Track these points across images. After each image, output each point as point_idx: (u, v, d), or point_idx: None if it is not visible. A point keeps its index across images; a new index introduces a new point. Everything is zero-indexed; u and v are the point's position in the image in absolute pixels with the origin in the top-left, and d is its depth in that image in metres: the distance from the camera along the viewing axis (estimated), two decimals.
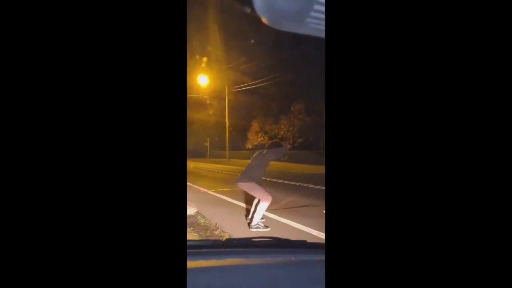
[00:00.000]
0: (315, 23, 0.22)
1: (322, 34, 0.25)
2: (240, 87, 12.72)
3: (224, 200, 3.51)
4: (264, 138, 12.96)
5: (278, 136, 12.14)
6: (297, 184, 4.86)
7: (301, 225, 2.36)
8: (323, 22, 0.23)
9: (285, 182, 5.12)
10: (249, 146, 13.93)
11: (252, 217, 2.26)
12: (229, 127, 12.87)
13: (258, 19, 0.22)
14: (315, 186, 4.62)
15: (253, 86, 12.20)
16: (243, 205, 3.07)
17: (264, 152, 2.36)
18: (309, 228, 2.27)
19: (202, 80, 12.31)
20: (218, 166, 9.66)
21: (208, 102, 13.59)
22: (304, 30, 0.23)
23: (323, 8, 0.21)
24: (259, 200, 2.27)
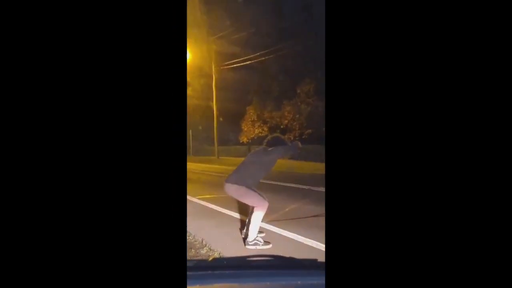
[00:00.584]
0: None
1: None
2: (232, 63, 12.64)
3: (212, 209, 3.57)
4: (263, 130, 13.01)
5: (281, 126, 12.20)
6: (306, 187, 4.93)
7: (310, 240, 2.39)
8: None
9: (290, 185, 5.22)
10: (244, 139, 13.96)
11: (248, 231, 2.26)
12: (217, 115, 12.83)
13: None
14: None
15: (248, 62, 12.12)
16: (237, 215, 3.15)
17: (267, 149, 2.34)
18: (319, 244, 2.29)
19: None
20: (204, 166, 9.71)
21: (189, 81, 13.48)
22: None
23: None
24: (253, 209, 2.28)
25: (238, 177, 2.27)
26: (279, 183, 5.20)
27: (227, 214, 3.23)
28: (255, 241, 2.23)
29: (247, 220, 2.34)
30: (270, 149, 2.30)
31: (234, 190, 2.26)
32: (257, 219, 2.21)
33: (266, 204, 2.19)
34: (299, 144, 2.42)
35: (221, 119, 13.06)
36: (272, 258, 0.75)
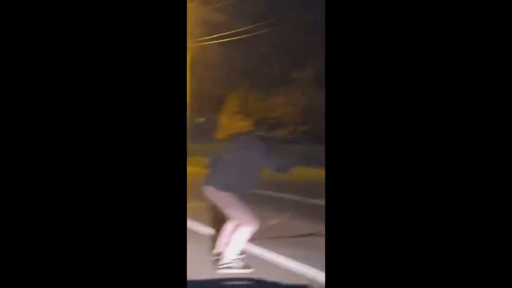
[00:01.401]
0: None
1: None
2: (211, 38, 12.62)
3: None
4: (247, 123, 13.02)
5: (269, 122, 12.26)
6: (297, 199, 5.11)
7: (299, 263, 2.48)
8: None
9: (278, 195, 5.37)
10: (221, 136, 13.96)
11: (224, 250, 2.26)
12: (190, 103, 12.77)
13: None
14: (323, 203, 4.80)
15: (232, 38, 12.13)
16: (204, 229, 3.24)
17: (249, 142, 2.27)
18: (311, 268, 2.36)
19: None
20: None
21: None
22: None
23: None
24: (237, 225, 2.26)
25: (226, 180, 2.21)
26: (263, 192, 5.28)
27: (191, 229, 3.28)
28: (232, 264, 2.23)
29: (222, 236, 2.35)
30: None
31: (220, 197, 2.22)
32: (242, 237, 2.20)
33: (257, 222, 2.19)
34: (289, 166, 2.36)
35: (196, 109, 13.05)
36: (251, 283, 0.80)
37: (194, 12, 12.81)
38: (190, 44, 13.55)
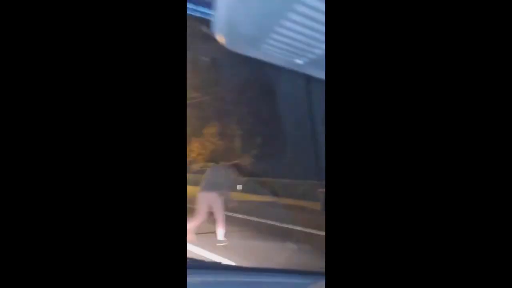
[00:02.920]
0: (269, 49, 0.41)
1: (273, 60, 0.46)
2: None
3: None
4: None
5: (188, 159, 18.31)
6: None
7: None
8: (277, 49, 0.43)
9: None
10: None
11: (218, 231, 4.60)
12: None
13: (211, 37, 0.39)
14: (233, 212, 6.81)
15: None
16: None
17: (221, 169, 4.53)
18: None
19: None
20: None
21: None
22: (257, 55, 0.43)
23: (279, 37, 0.40)
24: (217, 215, 4.49)
25: (219, 187, 4.13)
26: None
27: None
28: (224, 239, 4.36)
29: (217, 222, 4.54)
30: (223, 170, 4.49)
31: (215, 197, 4.09)
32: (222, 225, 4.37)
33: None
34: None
35: None
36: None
37: None
38: None
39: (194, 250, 4.46)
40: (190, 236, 4.59)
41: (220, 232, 4.79)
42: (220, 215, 4.74)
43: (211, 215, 4.81)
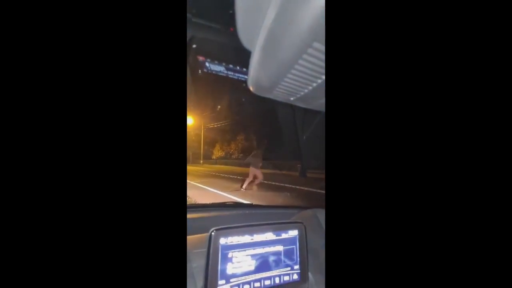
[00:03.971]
0: (280, 92, 0.58)
1: (277, 98, 0.63)
2: (210, 126, 34.96)
3: (201, 187, 9.43)
4: (222, 153, 34.56)
5: (230, 152, 33.56)
6: (236, 177, 13.20)
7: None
8: (280, 93, 0.59)
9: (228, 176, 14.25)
10: (214, 157, 36.21)
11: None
12: (203, 145, 35.09)
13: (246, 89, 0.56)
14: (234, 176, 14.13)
15: (216, 125, 33.86)
16: (214, 190, 8.62)
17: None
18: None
19: (189, 120, 33.42)
20: (195, 168, 27.18)
21: (191, 132, 35.29)
22: (270, 96, 0.61)
23: (282, 85, 0.56)
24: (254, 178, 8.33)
25: (255, 164, 7.82)
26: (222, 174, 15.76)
27: (210, 190, 8.76)
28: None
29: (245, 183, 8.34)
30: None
31: (253, 169, 7.70)
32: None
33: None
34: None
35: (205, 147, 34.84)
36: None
37: (205, 117, 35.12)
38: (203, 128, 38.83)
39: (232, 196, 7.45)
40: (244, 185, 8.65)
41: (246, 184, 8.55)
42: (251, 177, 8.49)
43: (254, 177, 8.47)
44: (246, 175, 9.27)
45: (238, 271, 1.04)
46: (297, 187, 9.38)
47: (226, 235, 1.03)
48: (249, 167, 8.67)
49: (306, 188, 8.86)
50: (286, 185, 9.97)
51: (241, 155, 32.99)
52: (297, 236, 1.19)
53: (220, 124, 34.41)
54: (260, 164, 8.71)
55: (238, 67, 1.12)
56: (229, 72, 1.03)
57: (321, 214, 1.51)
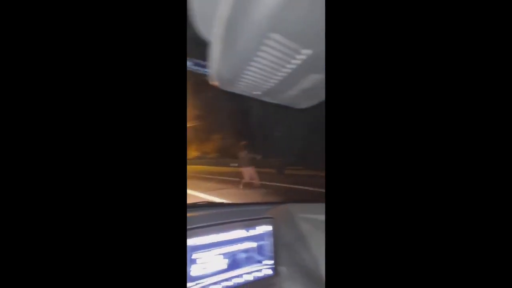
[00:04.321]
0: (244, 85, 0.62)
1: (243, 92, 0.69)
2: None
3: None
4: (197, 153, 34.01)
5: (206, 151, 33.24)
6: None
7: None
8: (243, 86, 0.63)
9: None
10: (189, 157, 35.16)
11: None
12: None
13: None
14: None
15: (188, 126, 33.05)
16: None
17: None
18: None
19: None
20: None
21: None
22: (236, 90, 0.67)
23: (245, 78, 0.59)
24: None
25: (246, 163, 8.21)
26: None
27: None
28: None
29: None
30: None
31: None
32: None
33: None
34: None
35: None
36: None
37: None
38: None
39: (207, 196, 7.06)
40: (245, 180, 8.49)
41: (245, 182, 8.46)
42: (247, 178, 8.37)
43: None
44: (223, 174, 9.27)
45: (205, 272, 1.03)
46: (277, 184, 9.30)
47: (189, 236, 1.01)
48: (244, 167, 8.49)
49: (282, 185, 8.89)
50: (270, 183, 9.96)
51: (218, 154, 32.82)
52: (268, 232, 1.19)
53: (192, 125, 34.14)
54: (249, 163, 8.33)
55: (200, 61, 1.07)
56: (190, 65, 0.99)
57: (293, 208, 1.53)
